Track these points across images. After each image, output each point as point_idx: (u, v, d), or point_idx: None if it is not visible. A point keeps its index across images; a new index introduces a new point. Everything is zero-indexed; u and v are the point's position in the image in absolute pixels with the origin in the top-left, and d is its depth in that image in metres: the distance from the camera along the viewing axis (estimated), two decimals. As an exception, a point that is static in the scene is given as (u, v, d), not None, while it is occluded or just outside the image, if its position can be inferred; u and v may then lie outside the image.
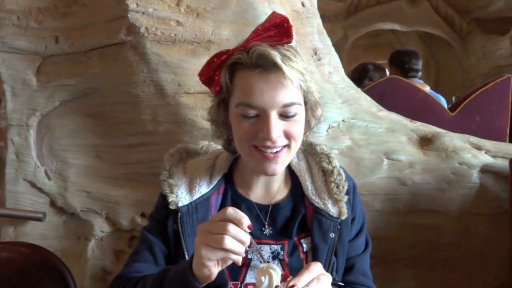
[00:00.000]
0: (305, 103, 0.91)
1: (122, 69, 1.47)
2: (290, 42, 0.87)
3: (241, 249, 0.72)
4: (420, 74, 3.15)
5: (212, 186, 0.98)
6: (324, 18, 1.99)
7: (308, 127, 0.97)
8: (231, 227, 0.71)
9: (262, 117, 0.85)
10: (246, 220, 0.72)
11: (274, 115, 0.84)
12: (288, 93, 0.84)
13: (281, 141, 0.87)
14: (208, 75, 0.94)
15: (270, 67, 0.82)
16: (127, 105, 1.51)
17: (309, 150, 1.08)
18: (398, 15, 5.76)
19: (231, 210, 0.73)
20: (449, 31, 5.83)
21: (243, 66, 0.86)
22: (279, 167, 0.89)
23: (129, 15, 1.40)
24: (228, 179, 1.03)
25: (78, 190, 1.59)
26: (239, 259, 0.73)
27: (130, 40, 1.43)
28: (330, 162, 1.02)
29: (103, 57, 1.49)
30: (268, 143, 0.85)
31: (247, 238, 0.72)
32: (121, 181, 1.58)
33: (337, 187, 0.99)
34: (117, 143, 1.57)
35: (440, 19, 5.73)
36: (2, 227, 1.64)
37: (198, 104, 1.42)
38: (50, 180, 1.60)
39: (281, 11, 1.57)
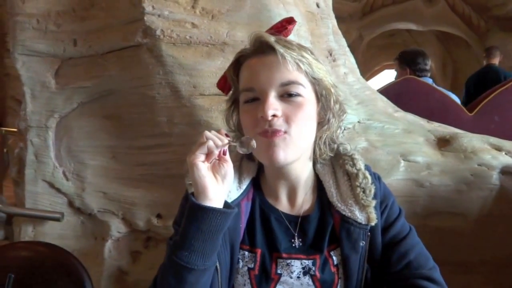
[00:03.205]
0: (315, 92, 0.88)
1: (138, 71, 1.48)
2: (287, 27, 0.90)
3: (221, 140, 0.81)
4: (429, 74, 3.17)
5: (241, 191, 0.94)
6: (339, 18, 1.98)
7: (325, 122, 0.91)
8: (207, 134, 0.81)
9: (262, 100, 0.84)
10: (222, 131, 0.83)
11: (272, 95, 0.83)
12: (286, 72, 0.83)
13: (279, 123, 0.82)
14: (222, 80, 0.97)
15: (266, 50, 0.84)
16: (143, 107, 1.52)
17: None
18: (414, 14, 5.71)
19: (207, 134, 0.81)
20: (467, 30, 5.75)
21: (245, 57, 0.88)
22: (282, 152, 0.83)
23: (145, 18, 1.41)
24: (256, 185, 0.98)
25: (95, 191, 1.61)
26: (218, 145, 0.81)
27: (146, 42, 1.44)
28: (354, 165, 0.94)
29: (119, 60, 1.51)
30: (266, 126, 0.82)
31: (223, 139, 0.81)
32: (137, 182, 1.59)
33: (364, 191, 0.92)
34: (133, 145, 1.58)
35: (457, 18, 5.66)
36: (21, 226, 1.67)
37: (213, 106, 1.42)
38: (68, 181, 1.63)
39: (295, 12, 1.57)
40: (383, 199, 0.96)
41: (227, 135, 0.83)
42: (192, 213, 0.79)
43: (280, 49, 0.81)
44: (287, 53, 0.81)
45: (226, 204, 0.84)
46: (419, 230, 1.38)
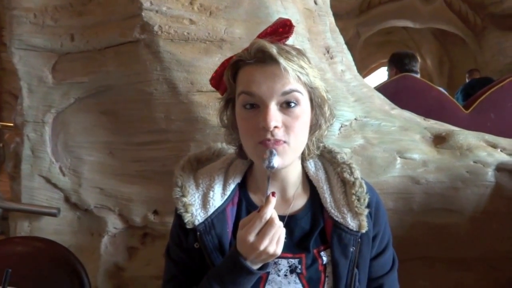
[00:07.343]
0: (310, 99, 0.91)
1: (136, 67, 1.48)
2: (287, 35, 0.91)
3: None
4: (418, 75, 3.24)
5: (226, 197, 0.97)
6: (337, 16, 1.98)
7: (316, 126, 0.94)
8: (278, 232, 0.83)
9: (262, 109, 0.86)
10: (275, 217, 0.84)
11: (273, 105, 0.85)
12: (286, 82, 0.85)
13: (280, 134, 0.86)
14: (217, 78, 0.97)
15: (267, 60, 0.85)
16: (140, 103, 1.52)
17: (328, 158, 1.05)
18: (411, 12, 5.71)
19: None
20: (463, 27, 5.76)
21: (244, 63, 0.89)
22: (280, 160, 0.87)
23: (143, 14, 1.41)
24: (242, 186, 1.01)
25: (91, 187, 1.61)
26: None
27: (144, 38, 1.44)
28: (352, 173, 0.99)
29: (117, 55, 1.50)
30: (268, 136, 0.85)
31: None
32: (133, 178, 1.59)
33: (358, 200, 0.96)
34: (130, 141, 1.58)
35: (454, 15, 5.67)
36: (17, 221, 1.67)
37: (210, 103, 1.43)
38: (64, 176, 1.62)
39: (293, 9, 1.57)
40: (376, 210, 1.02)
41: (273, 194, 0.85)
42: (245, 277, 0.85)
43: (282, 62, 0.83)
44: (288, 66, 0.83)
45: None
46: (415, 226, 1.39)
